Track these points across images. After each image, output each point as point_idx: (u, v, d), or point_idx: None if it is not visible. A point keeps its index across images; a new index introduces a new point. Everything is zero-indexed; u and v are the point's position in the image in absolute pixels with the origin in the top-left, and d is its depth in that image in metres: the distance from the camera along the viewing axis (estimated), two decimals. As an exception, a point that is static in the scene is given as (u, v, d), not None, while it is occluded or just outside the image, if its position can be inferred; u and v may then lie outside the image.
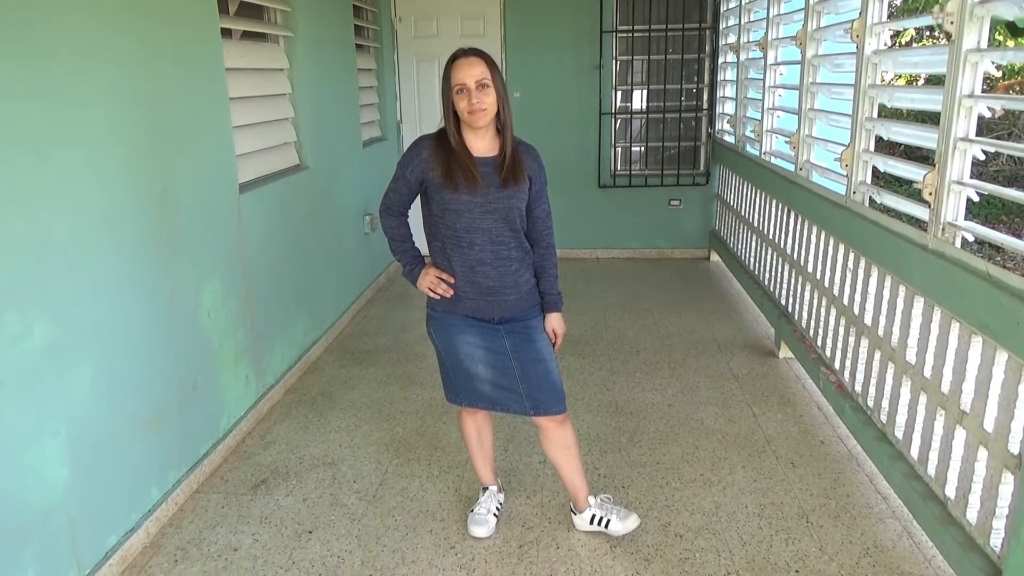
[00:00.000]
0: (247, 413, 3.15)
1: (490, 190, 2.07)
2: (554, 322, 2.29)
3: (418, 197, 2.21)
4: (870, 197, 2.84)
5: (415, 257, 2.27)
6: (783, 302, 3.88)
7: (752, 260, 4.57)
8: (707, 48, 5.61)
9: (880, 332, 2.64)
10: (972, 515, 2.02)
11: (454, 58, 2.04)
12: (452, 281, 2.18)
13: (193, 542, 2.43)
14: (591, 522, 2.38)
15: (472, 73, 2.00)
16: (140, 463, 2.43)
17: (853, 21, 2.82)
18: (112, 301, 2.29)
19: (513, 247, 2.16)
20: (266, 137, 3.53)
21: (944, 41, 2.18)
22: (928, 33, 8.40)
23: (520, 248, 2.18)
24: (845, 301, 2.98)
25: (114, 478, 2.29)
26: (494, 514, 2.46)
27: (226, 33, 3.15)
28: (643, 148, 5.91)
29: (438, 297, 2.20)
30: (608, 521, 2.35)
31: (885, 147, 6.81)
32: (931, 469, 2.26)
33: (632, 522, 2.34)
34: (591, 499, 2.38)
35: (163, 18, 2.56)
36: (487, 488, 2.51)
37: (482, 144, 2.11)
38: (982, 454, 1.99)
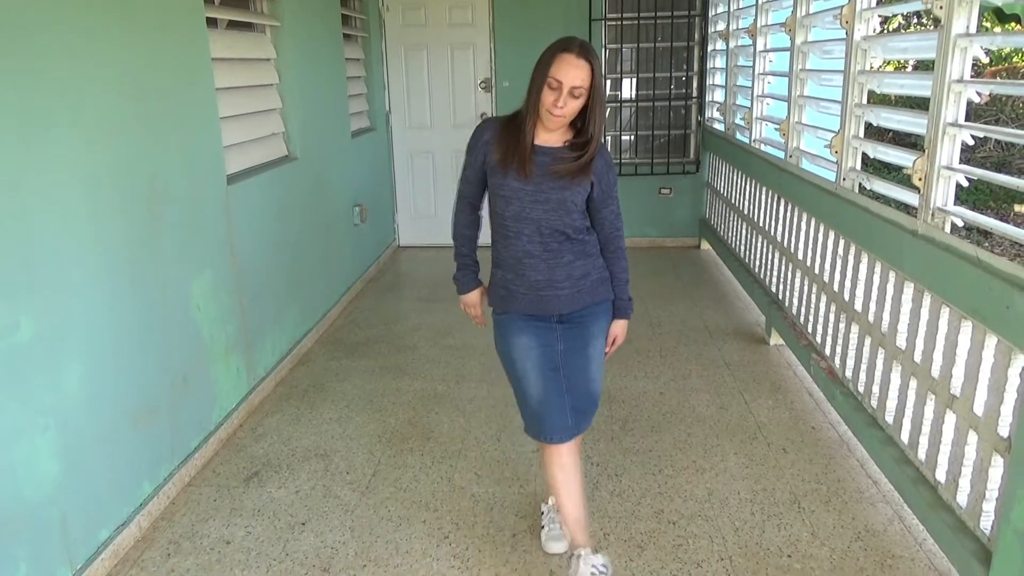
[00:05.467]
0: (238, 406, 3.14)
1: (543, 179, 1.95)
2: (618, 328, 2.19)
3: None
4: (860, 183, 2.84)
5: (471, 266, 2.16)
6: (774, 289, 3.89)
7: (743, 248, 4.58)
8: (696, 36, 5.60)
9: (870, 318, 2.65)
10: (962, 498, 2.04)
11: (564, 48, 1.88)
12: (479, 314, 2.21)
13: (185, 535, 2.42)
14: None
15: (576, 75, 1.85)
16: (131, 457, 2.41)
17: (842, 7, 2.82)
18: (100, 294, 2.27)
19: (564, 239, 2.01)
20: (254, 128, 3.50)
21: (933, 27, 2.18)
22: (917, 19, 8.41)
23: (575, 240, 2.03)
24: (835, 287, 2.99)
25: (105, 472, 2.28)
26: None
27: (211, 23, 3.11)
28: (633, 137, 5.90)
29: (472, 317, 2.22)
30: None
31: (875, 133, 6.83)
32: (921, 453, 2.27)
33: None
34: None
35: (147, 7, 2.53)
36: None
37: (552, 136, 1.98)
38: (972, 438, 2.00)
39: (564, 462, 2.07)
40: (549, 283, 2.03)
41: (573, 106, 1.89)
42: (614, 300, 2.16)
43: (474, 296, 2.19)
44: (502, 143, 1.98)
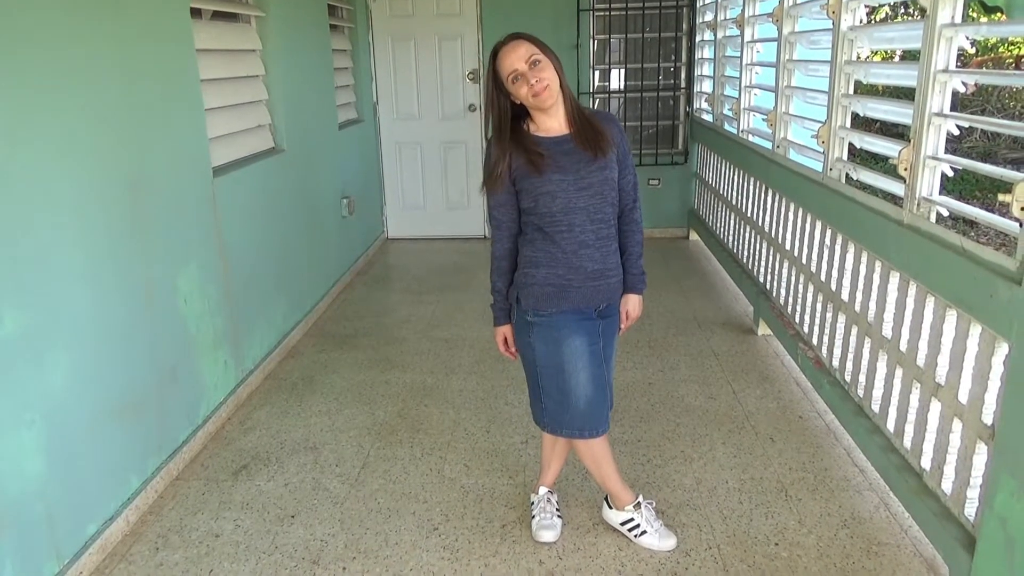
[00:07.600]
0: (226, 399, 3.12)
1: (580, 166, 1.96)
2: (632, 304, 2.16)
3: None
4: (846, 174, 2.85)
5: (501, 303, 2.14)
6: (761, 279, 3.91)
7: (731, 238, 4.59)
8: (684, 26, 5.60)
9: (857, 308, 2.66)
10: (947, 485, 2.06)
11: (495, 52, 1.92)
12: (504, 349, 2.17)
13: (174, 529, 2.42)
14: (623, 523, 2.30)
15: (519, 55, 1.89)
16: (118, 451, 2.40)
17: (829, -3, 2.82)
18: (86, 288, 2.25)
19: (612, 224, 2.04)
20: (240, 120, 3.47)
21: (919, 17, 2.19)
22: (904, 9, 8.43)
23: (614, 226, 2.07)
24: (822, 277, 3.00)
25: (92, 467, 2.27)
26: (558, 516, 2.36)
27: (196, 13, 3.09)
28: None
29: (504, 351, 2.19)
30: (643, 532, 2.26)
31: (862, 124, 6.85)
32: (907, 441, 2.29)
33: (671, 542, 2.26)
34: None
35: (130, -2, 2.51)
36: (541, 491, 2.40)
37: (556, 123, 2.00)
38: (957, 426, 2.02)
39: (606, 440, 2.21)
40: (603, 272, 2.05)
41: (546, 73, 1.91)
42: (628, 274, 2.14)
43: (507, 329, 2.16)
44: (520, 150, 1.97)
